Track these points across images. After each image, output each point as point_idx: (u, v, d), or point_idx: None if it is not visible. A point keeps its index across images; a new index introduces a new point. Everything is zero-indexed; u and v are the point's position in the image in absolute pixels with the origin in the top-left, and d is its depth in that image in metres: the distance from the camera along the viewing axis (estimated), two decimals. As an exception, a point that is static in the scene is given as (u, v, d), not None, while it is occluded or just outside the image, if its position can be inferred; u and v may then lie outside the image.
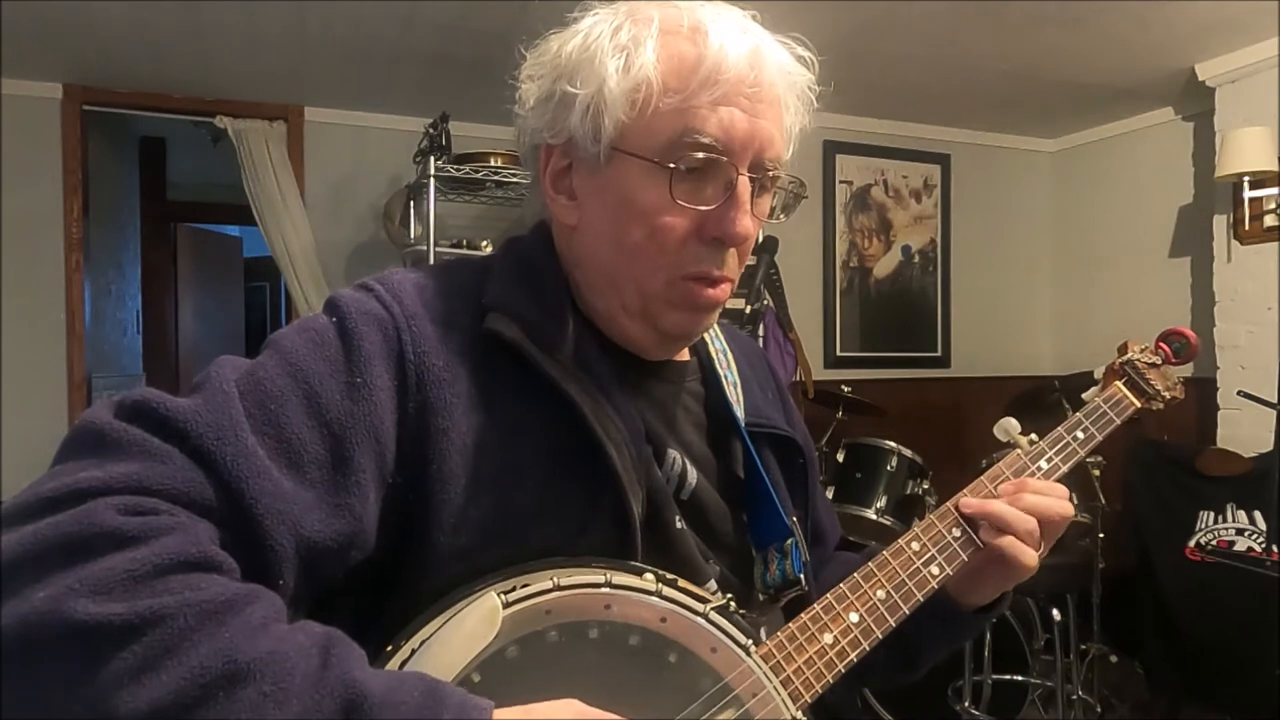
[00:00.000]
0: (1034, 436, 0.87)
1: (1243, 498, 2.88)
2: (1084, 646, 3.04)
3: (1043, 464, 0.86)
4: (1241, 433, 3.20)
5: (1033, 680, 2.91)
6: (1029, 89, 3.66)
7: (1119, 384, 0.94)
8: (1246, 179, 3.13)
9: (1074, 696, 2.85)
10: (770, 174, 0.74)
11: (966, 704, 2.80)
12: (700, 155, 0.69)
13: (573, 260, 0.77)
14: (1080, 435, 0.89)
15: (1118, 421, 0.91)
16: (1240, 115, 3.23)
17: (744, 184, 0.71)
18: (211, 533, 0.56)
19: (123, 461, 0.55)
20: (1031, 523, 0.79)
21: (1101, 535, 2.85)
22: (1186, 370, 3.93)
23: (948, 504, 0.82)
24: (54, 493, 0.53)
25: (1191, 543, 2.95)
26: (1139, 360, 0.96)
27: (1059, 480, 0.85)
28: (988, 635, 2.83)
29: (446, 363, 0.68)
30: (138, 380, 4.69)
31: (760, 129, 0.71)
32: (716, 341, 0.89)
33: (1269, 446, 2.82)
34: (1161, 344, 0.99)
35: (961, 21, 2.92)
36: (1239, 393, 2.84)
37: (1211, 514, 2.95)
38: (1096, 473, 2.86)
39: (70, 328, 3.45)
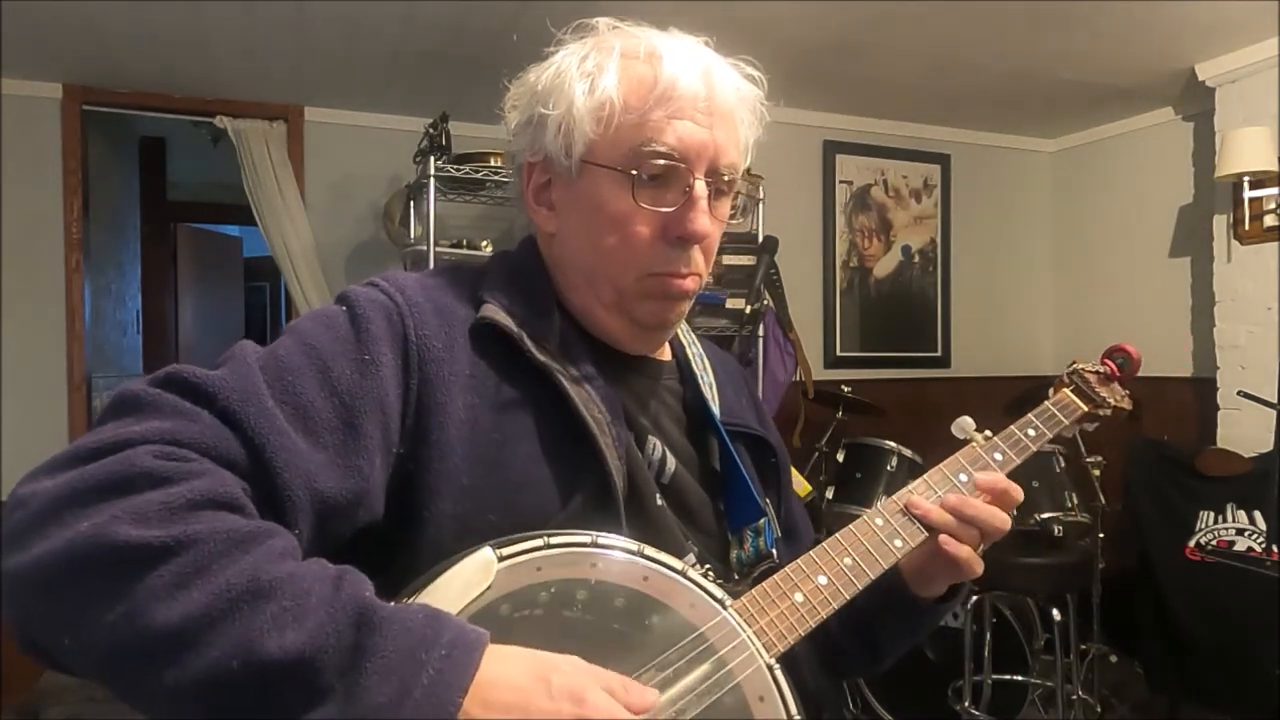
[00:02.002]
0: (988, 433, 0.95)
1: (1243, 498, 2.88)
2: (1084, 646, 3.04)
3: (997, 456, 0.92)
4: (1241, 433, 3.20)
5: (1033, 680, 2.91)
6: (1029, 89, 3.67)
7: (1066, 390, 1.05)
8: (1246, 179, 3.13)
9: (1074, 696, 2.85)
10: (726, 179, 0.82)
11: (966, 704, 2.80)
12: (660, 163, 0.78)
13: (554, 263, 0.86)
14: (1031, 433, 0.96)
15: (1066, 423, 1.00)
16: (1240, 115, 3.23)
17: (700, 187, 0.79)
18: (237, 481, 0.62)
19: (158, 419, 0.62)
20: (972, 532, 0.85)
21: (1101, 535, 2.85)
22: (1186, 370, 3.94)
23: (908, 487, 0.88)
24: (97, 443, 0.60)
25: (1191, 543, 2.95)
26: (1085, 371, 1.07)
27: (1011, 474, 0.92)
28: (987, 635, 2.84)
29: (445, 345, 0.75)
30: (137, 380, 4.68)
31: (713, 139, 0.79)
32: (694, 346, 0.97)
33: (1269, 446, 2.83)
34: (1106, 359, 1.09)
35: (961, 21, 2.92)
36: (1239, 393, 2.85)
37: (1211, 514, 2.95)
38: (1096, 473, 2.86)
39: (70, 328, 3.45)
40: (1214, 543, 2.90)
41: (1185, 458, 3.06)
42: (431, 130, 3.14)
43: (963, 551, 0.84)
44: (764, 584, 0.76)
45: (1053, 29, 2.98)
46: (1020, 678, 2.92)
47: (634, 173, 0.78)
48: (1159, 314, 3.82)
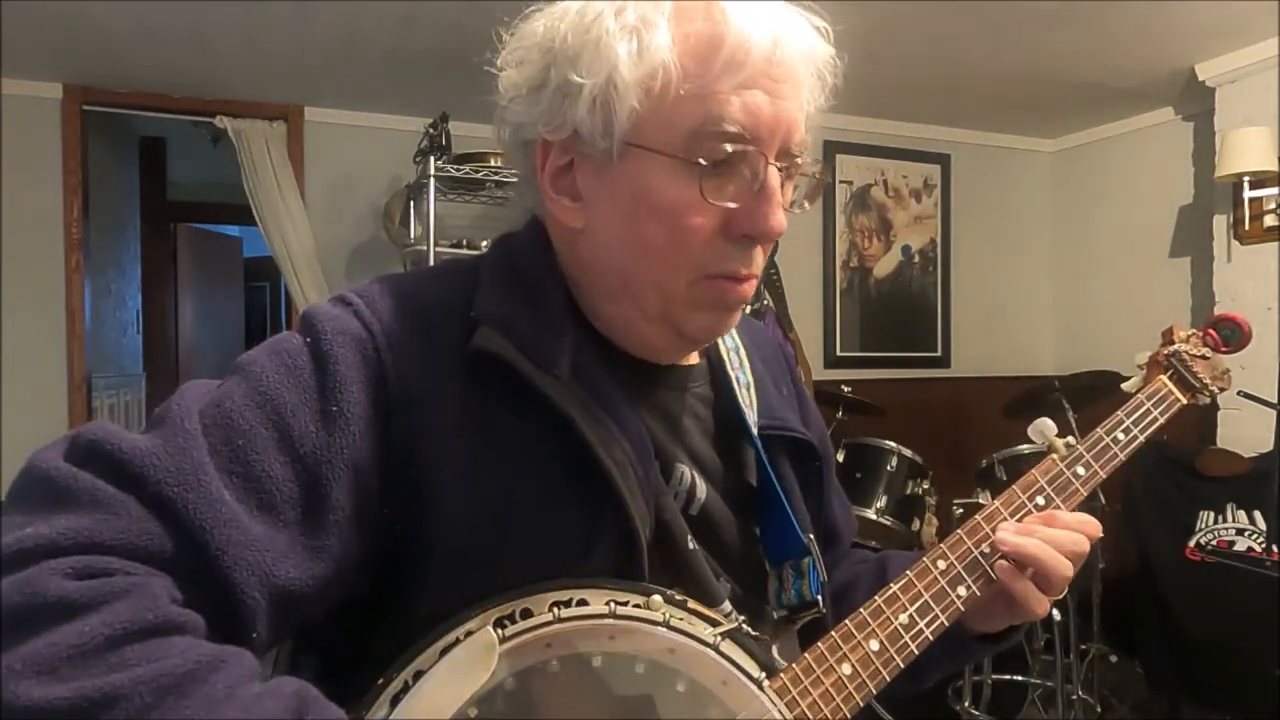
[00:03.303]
0: (1071, 440, 0.80)
1: (1243, 498, 2.88)
2: (1084, 646, 3.04)
3: (1080, 470, 0.79)
4: (1241, 433, 3.20)
5: (1033, 680, 2.91)
6: (1029, 89, 3.66)
7: (1164, 377, 0.86)
8: (1246, 179, 3.13)
9: (1074, 696, 2.85)
10: (797, 160, 0.68)
11: (966, 704, 2.80)
12: (728, 147, 0.63)
13: (577, 264, 0.71)
14: (1121, 437, 0.82)
15: (1162, 420, 0.84)
16: (1240, 115, 3.22)
17: (774, 175, 0.65)
18: (172, 589, 0.51)
19: (72, 513, 0.50)
20: (1066, 568, 0.73)
21: (1101, 535, 2.84)
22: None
23: (977, 519, 0.76)
24: None
25: (1191, 543, 2.95)
26: (1186, 351, 0.87)
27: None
28: (988, 635, 2.83)
29: (433, 384, 0.63)
30: (138, 380, 4.69)
31: (785, 113, 0.64)
32: (728, 339, 0.82)
33: (1269, 446, 2.82)
34: (1210, 331, 0.90)
35: (962, 21, 2.92)
36: (1239, 393, 2.83)
37: (1211, 514, 2.95)
38: (1097, 473, 2.85)
39: (70, 328, 3.45)
40: (1214, 543, 2.90)
41: (1185, 458, 3.06)
42: (431, 130, 3.14)
43: (1039, 603, 0.74)
44: (808, 655, 0.67)
45: (1052, 29, 2.98)
46: (1020, 678, 2.92)
47: (701, 162, 0.62)
48: (1159, 314, 3.82)
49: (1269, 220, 3.14)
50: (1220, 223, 3.38)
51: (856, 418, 3.33)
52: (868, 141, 4.17)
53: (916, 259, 4.34)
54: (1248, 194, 3.18)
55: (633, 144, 0.63)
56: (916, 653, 0.69)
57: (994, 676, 2.85)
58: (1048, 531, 0.74)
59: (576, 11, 0.65)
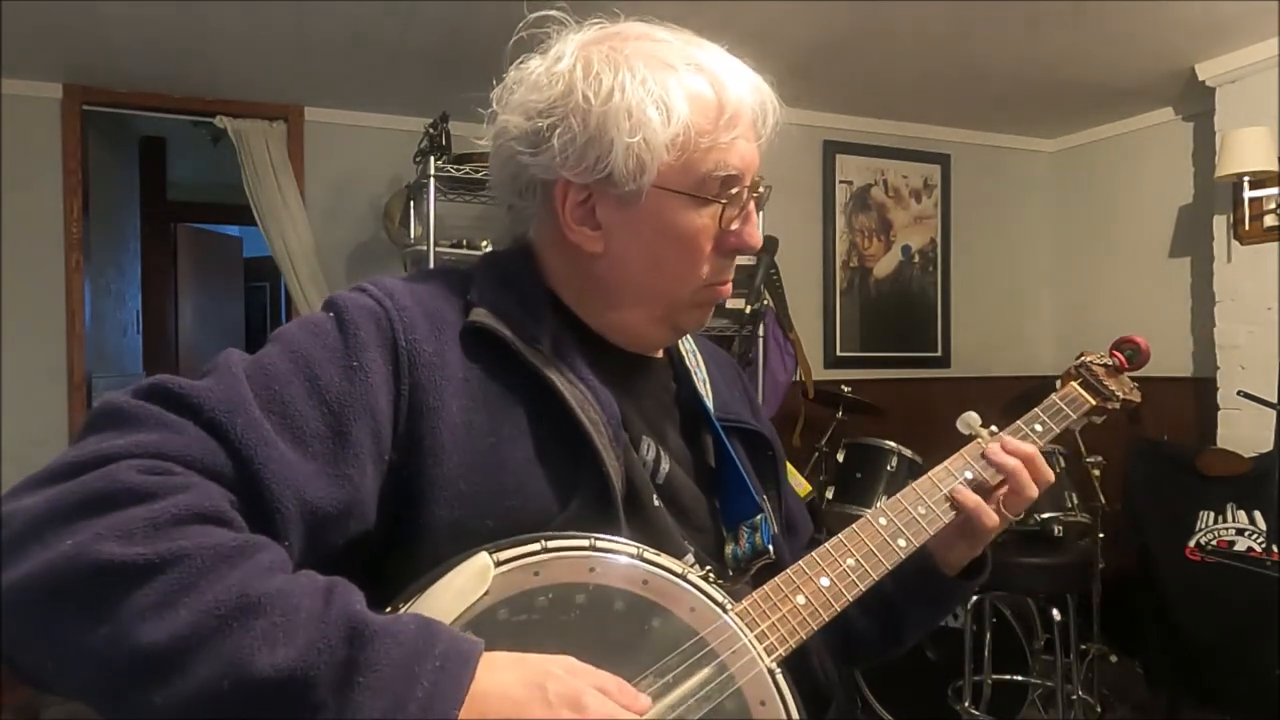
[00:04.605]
0: (994, 428, 0.93)
1: (1243, 498, 2.88)
2: (1084, 646, 3.04)
3: None
4: (1241, 433, 3.20)
5: (1033, 680, 2.91)
6: (1029, 89, 3.66)
7: (1074, 384, 1.03)
8: (1246, 179, 3.13)
9: (1074, 696, 2.85)
10: (761, 188, 0.83)
11: (966, 704, 2.80)
12: (734, 190, 0.79)
13: (585, 280, 0.83)
14: (1038, 428, 0.96)
15: (1074, 416, 0.99)
16: (1240, 115, 3.22)
17: (753, 202, 0.82)
18: (223, 493, 0.60)
19: (142, 432, 0.60)
20: (1032, 488, 0.89)
21: (1101, 535, 2.85)
22: (1186, 370, 3.94)
23: (912, 486, 0.88)
24: (78, 458, 0.58)
25: (1191, 543, 2.95)
26: (1093, 364, 1.05)
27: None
28: (987, 635, 2.84)
29: (435, 349, 0.74)
30: (137, 380, 4.67)
31: (757, 152, 0.82)
32: (686, 342, 0.96)
33: (1269, 446, 2.82)
34: (1115, 351, 1.07)
35: (961, 21, 2.92)
36: (1239, 393, 2.85)
37: (1211, 514, 2.95)
38: (1096, 473, 2.86)
39: (70, 328, 3.45)
40: (1214, 543, 2.90)
41: (1185, 458, 3.06)
42: (431, 130, 3.14)
43: (990, 518, 0.87)
44: (765, 587, 0.76)
45: (1053, 29, 2.98)
46: (1020, 678, 2.91)
47: (723, 202, 0.79)
48: (1159, 314, 3.82)
49: (1269, 220, 3.15)
50: (1220, 223, 3.38)
51: (856, 418, 3.33)
52: (868, 141, 4.17)
53: (916, 259, 4.34)
54: (1248, 194, 3.18)
55: (657, 186, 0.78)
56: (862, 589, 0.79)
57: (994, 676, 2.85)
58: (1025, 449, 0.90)
59: (594, 76, 0.77)
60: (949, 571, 0.93)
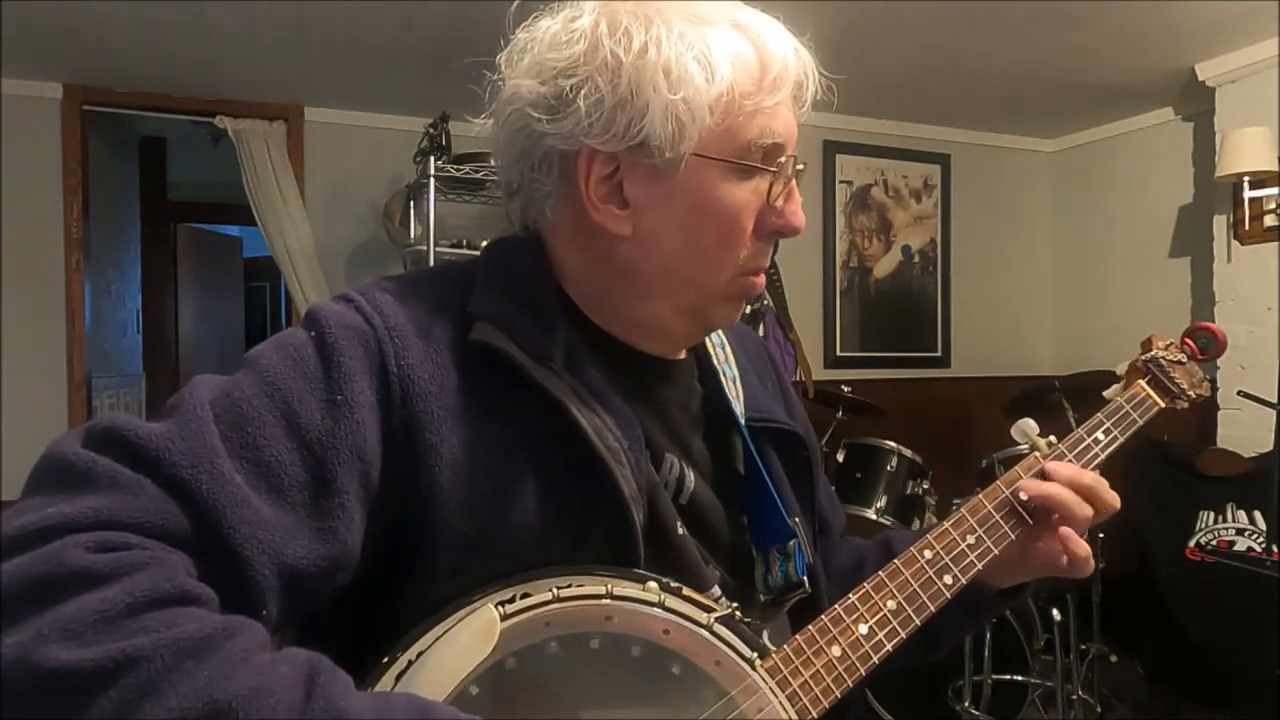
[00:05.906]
0: (1053, 439, 0.84)
1: (1243, 498, 2.88)
2: (1084, 646, 3.03)
3: None
4: (1241, 433, 3.20)
5: (1033, 680, 2.91)
6: (1029, 89, 3.66)
7: (1142, 382, 0.90)
8: (1246, 179, 3.13)
9: (1074, 696, 2.85)
10: (799, 164, 0.74)
11: (966, 704, 2.80)
12: (782, 158, 0.71)
13: (605, 268, 0.74)
14: (1101, 437, 0.86)
15: (1140, 422, 0.88)
16: (1240, 115, 3.22)
17: (795, 180, 0.73)
18: (188, 565, 0.53)
19: (92, 494, 0.52)
20: (1086, 509, 0.81)
21: (1101, 535, 2.85)
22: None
23: (961, 511, 0.80)
24: (20, 531, 0.50)
25: (1191, 543, 2.95)
26: (1163, 357, 0.91)
27: None
28: (987, 635, 2.83)
29: (432, 375, 0.65)
30: (138, 380, 4.69)
31: (796, 121, 0.73)
32: (714, 335, 0.86)
33: (1269, 446, 2.82)
34: (1187, 339, 0.95)
35: (962, 21, 2.92)
36: (1239, 393, 2.84)
37: (1211, 514, 2.95)
38: (1096, 472, 2.86)
39: (70, 328, 3.45)
40: (1214, 543, 2.90)
41: (1185, 458, 3.06)
42: (431, 130, 3.14)
43: (1082, 547, 0.81)
44: (799, 637, 0.70)
45: (1053, 29, 2.98)
46: (1020, 678, 2.91)
47: (772, 171, 0.70)
48: (1159, 314, 3.82)
49: (1269, 220, 3.15)
50: (1220, 223, 3.38)
51: (856, 418, 3.33)
52: (868, 141, 4.17)
53: (916, 259, 4.34)
54: (1248, 194, 3.18)
55: (696, 154, 0.68)
56: (904, 636, 0.72)
57: (994, 676, 2.84)
58: (1065, 473, 0.81)
59: (624, 31, 0.67)
60: (995, 585, 0.85)
